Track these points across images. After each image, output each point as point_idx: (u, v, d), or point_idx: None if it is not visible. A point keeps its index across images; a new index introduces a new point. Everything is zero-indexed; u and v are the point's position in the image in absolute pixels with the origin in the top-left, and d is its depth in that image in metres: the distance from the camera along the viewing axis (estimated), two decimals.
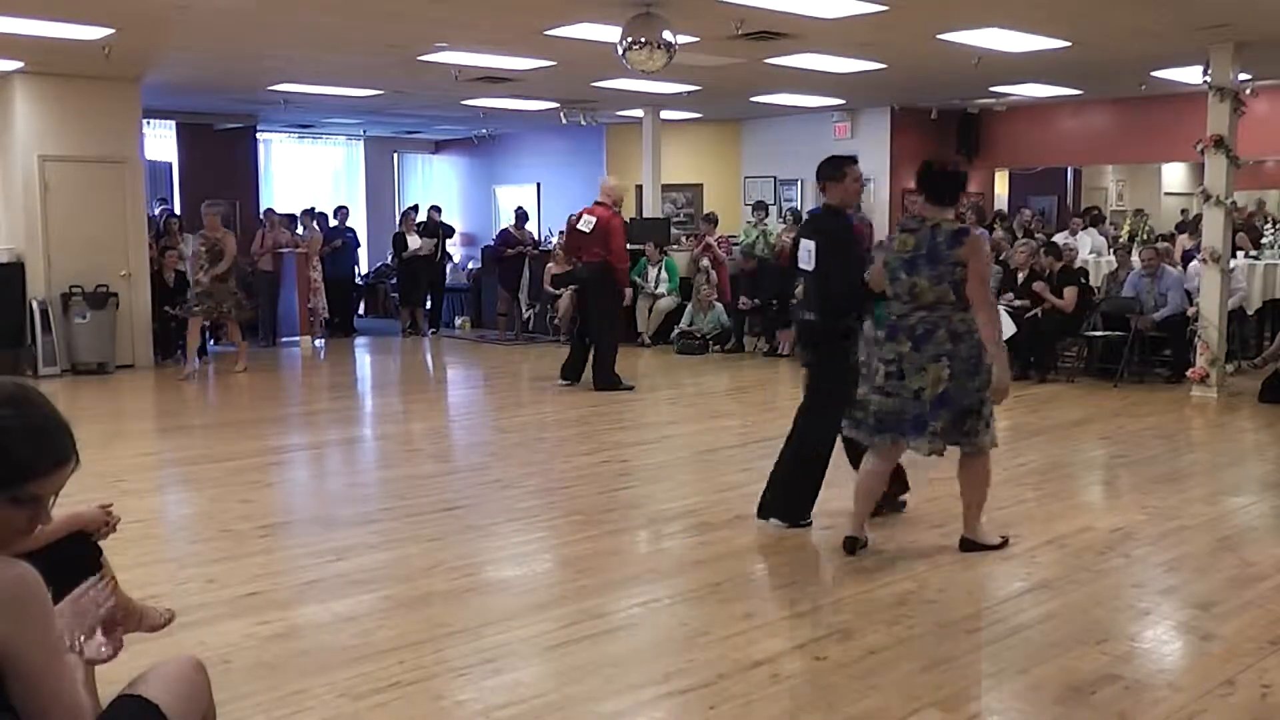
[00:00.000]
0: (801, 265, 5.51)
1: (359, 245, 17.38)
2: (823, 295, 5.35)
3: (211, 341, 13.93)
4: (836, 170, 5.44)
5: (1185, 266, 11.16)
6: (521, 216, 15.39)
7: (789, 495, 5.51)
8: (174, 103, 13.90)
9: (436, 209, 16.24)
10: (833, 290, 5.31)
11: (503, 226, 16.09)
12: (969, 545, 5.09)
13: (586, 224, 10.24)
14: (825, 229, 5.45)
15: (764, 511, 5.57)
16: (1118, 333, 10.47)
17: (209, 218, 11.19)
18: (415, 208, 16.52)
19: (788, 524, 5.47)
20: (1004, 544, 5.13)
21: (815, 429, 5.48)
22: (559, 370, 10.60)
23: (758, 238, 13.68)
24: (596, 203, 10.27)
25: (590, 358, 10.37)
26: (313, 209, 15.73)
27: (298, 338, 13.97)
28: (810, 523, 5.49)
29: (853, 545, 5.04)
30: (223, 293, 11.07)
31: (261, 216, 14.85)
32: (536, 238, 16.20)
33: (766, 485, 5.60)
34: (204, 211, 11.35)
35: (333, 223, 15.96)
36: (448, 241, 16.35)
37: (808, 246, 5.46)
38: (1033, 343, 10.44)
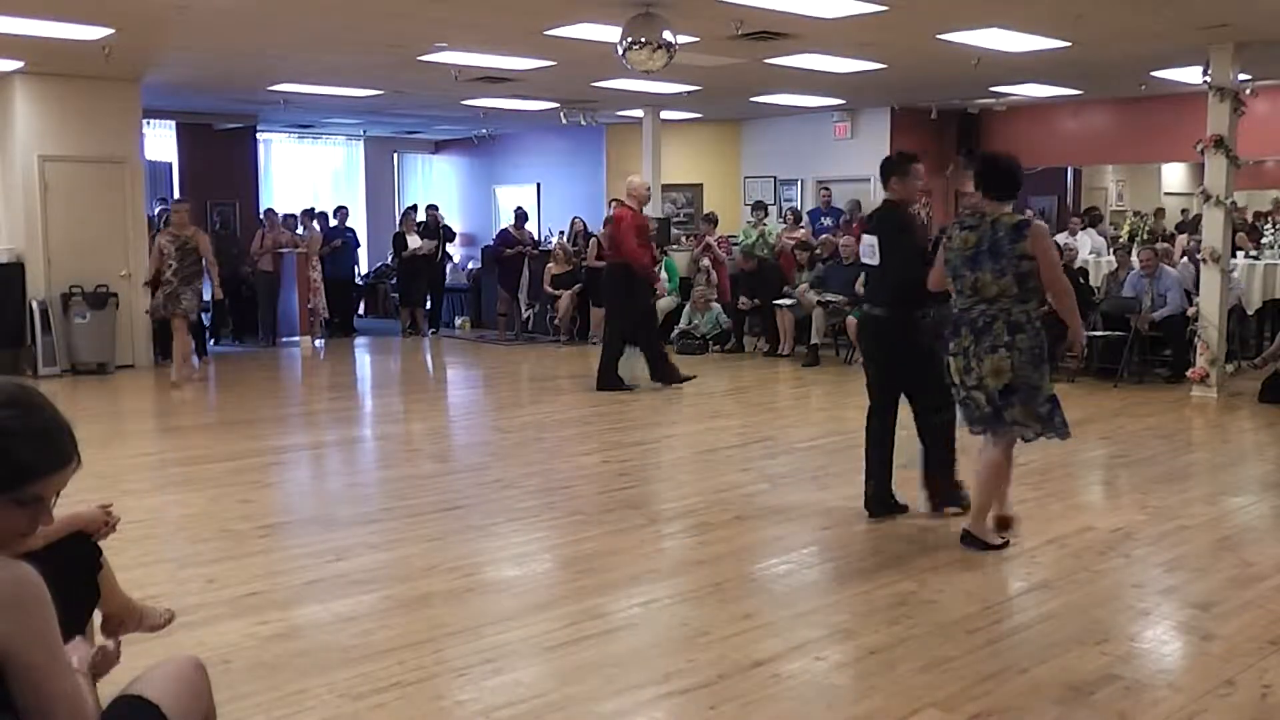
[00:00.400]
0: (865, 260, 5.70)
1: (359, 245, 17.38)
2: (889, 288, 5.54)
3: (212, 341, 13.95)
4: (899, 168, 5.63)
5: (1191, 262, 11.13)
6: (521, 216, 15.39)
7: (946, 482, 5.68)
8: (174, 103, 13.90)
9: (434, 208, 16.22)
10: (894, 283, 5.49)
11: (502, 226, 16.10)
12: (970, 540, 5.09)
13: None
14: (888, 223, 5.62)
15: (938, 501, 5.70)
16: (1118, 333, 10.47)
17: (177, 215, 10.82)
18: (414, 207, 16.52)
19: (960, 508, 5.58)
20: (1004, 545, 5.12)
21: (936, 416, 5.59)
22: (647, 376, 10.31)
23: (757, 239, 13.68)
24: (621, 202, 10.22)
25: (648, 354, 10.26)
26: (312, 209, 15.74)
27: (298, 338, 13.97)
28: (966, 498, 5.56)
29: (1006, 523, 5.18)
30: (188, 293, 10.58)
31: (261, 216, 14.85)
32: (536, 238, 16.20)
33: (925, 483, 5.73)
34: (171, 208, 11.04)
35: (332, 223, 15.96)
36: (449, 245, 16.37)
37: (870, 241, 5.63)
38: None
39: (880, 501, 5.69)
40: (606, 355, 10.25)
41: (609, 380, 10.14)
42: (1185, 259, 11.46)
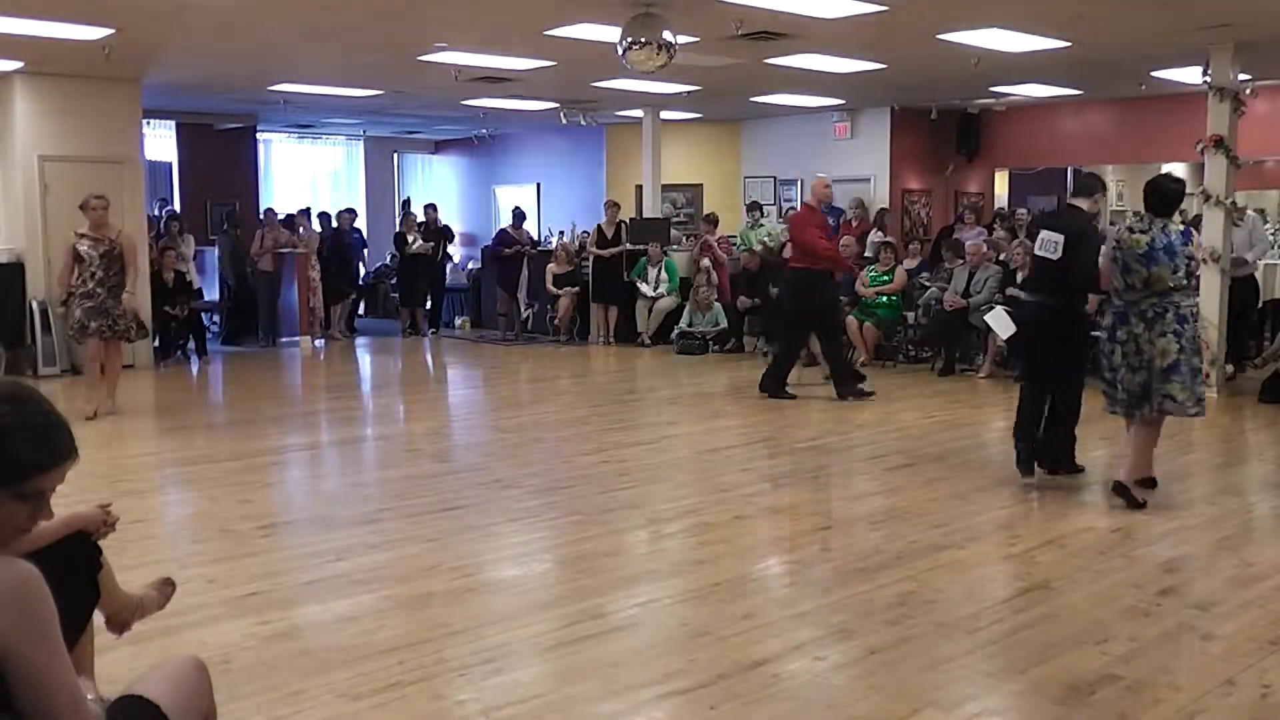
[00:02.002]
0: (1043, 253, 6.33)
1: (365, 246, 17.32)
2: (1066, 280, 6.16)
3: (217, 339, 13.94)
4: (1093, 187, 6.49)
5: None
6: (518, 216, 15.37)
7: (1060, 449, 6.48)
8: (174, 103, 13.90)
9: (432, 207, 16.20)
10: (1076, 276, 6.11)
11: (501, 226, 16.10)
12: (1121, 490, 5.79)
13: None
14: (1074, 224, 6.29)
15: (1047, 465, 6.49)
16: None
17: (95, 213, 8.72)
18: (408, 201, 16.50)
19: (1069, 473, 6.49)
20: (1144, 504, 5.76)
21: (1067, 394, 6.41)
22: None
23: (762, 234, 13.72)
24: (804, 203, 9.85)
25: (833, 362, 9.77)
26: (308, 209, 15.74)
27: (298, 338, 13.96)
28: (1083, 469, 6.53)
29: (1125, 491, 5.80)
30: (119, 308, 8.77)
31: (261, 216, 14.85)
32: (535, 237, 16.21)
33: (1037, 450, 6.44)
34: (89, 205, 8.75)
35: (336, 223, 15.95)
36: (448, 247, 16.37)
37: (1055, 239, 6.25)
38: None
39: (1029, 462, 6.39)
40: (780, 362, 9.65)
41: (777, 389, 9.50)
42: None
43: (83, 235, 8.75)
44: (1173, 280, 5.63)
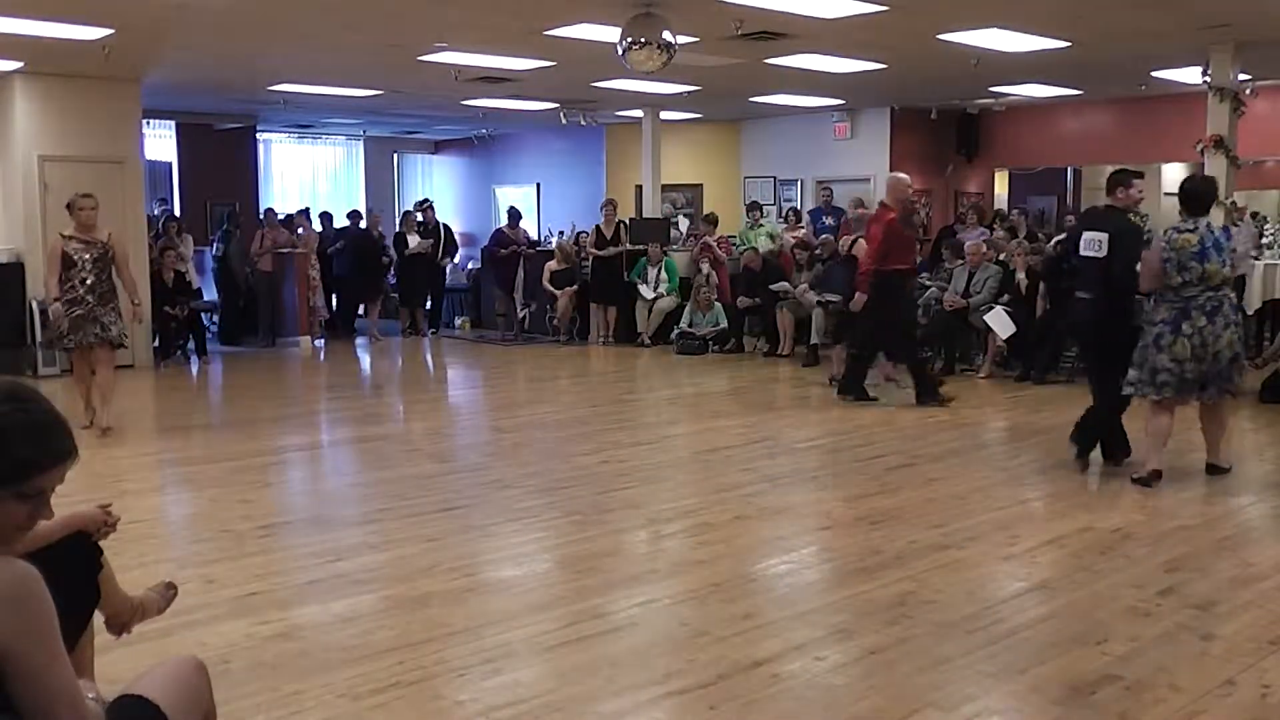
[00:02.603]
0: (1087, 253, 6.59)
1: None
2: (1110, 277, 6.45)
3: (216, 339, 13.94)
4: (1124, 180, 6.66)
5: None
6: (514, 216, 15.36)
7: (1108, 441, 6.76)
8: (174, 103, 13.90)
9: (431, 207, 16.17)
10: (1118, 273, 6.40)
11: (497, 226, 16.09)
12: (1214, 470, 6.50)
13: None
14: (1117, 225, 6.56)
15: (1083, 454, 6.78)
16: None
17: (85, 213, 8.00)
18: (425, 202, 16.53)
19: (1115, 464, 6.75)
20: (1229, 469, 6.52)
21: (1108, 387, 6.60)
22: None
23: (764, 235, 13.72)
24: (881, 202, 9.47)
25: (912, 370, 9.37)
26: (307, 209, 15.71)
27: (298, 338, 13.96)
28: (1086, 466, 6.75)
29: (1156, 478, 6.25)
30: (111, 315, 8.11)
31: (261, 217, 14.85)
32: (534, 237, 16.19)
33: (1082, 443, 6.77)
34: (77, 205, 8.05)
35: (344, 223, 15.93)
36: (454, 255, 16.35)
37: (1099, 237, 6.53)
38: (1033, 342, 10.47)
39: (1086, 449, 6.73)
40: (856, 363, 9.41)
41: (855, 390, 9.29)
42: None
43: (70, 237, 8.05)
44: (1222, 274, 6.08)
